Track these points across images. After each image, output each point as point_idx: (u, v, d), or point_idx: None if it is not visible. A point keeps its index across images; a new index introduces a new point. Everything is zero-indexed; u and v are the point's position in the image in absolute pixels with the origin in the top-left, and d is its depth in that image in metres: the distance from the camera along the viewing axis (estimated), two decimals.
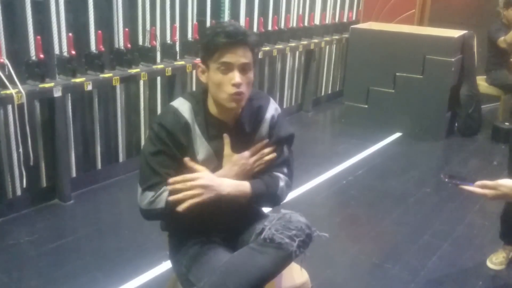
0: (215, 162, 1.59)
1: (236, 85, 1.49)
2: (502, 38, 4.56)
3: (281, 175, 1.64)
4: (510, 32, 4.51)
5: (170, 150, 1.53)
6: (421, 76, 4.51)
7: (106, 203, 3.28)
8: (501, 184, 1.61)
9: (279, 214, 1.54)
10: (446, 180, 1.70)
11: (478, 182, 1.64)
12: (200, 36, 1.68)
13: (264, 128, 1.65)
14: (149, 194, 1.52)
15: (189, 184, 1.48)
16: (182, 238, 1.64)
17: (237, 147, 1.61)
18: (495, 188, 1.61)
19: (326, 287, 2.45)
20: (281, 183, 1.62)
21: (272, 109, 1.68)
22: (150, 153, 1.54)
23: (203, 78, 1.58)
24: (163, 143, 1.53)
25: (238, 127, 1.61)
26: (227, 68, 1.49)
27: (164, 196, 1.50)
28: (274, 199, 1.62)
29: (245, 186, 1.55)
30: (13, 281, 2.42)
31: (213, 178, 1.52)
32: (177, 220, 1.52)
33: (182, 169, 1.55)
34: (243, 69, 1.51)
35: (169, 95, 3.67)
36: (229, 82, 1.49)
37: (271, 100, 1.71)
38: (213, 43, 1.48)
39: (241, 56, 1.50)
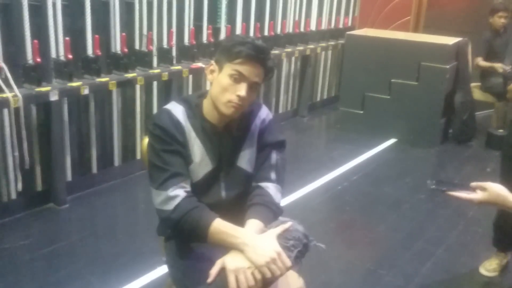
0: (209, 166, 1.61)
1: (240, 98, 1.51)
2: (479, 60, 4.74)
3: (268, 184, 1.63)
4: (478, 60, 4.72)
5: (170, 145, 1.54)
6: (416, 83, 4.54)
7: (101, 207, 3.28)
8: (490, 186, 1.61)
9: (277, 222, 1.54)
10: (433, 187, 1.69)
11: (472, 184, 1.63)
12: (225, 39, 1.68)
13: (254, 132, 1.66)
14: (162, 194, 1.50)
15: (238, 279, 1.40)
16: (180, 243, 1.64)
17: (227, 151, 1.63)
18: (484, 188, 1.60)
19: None
20: (271, 192, 1.62)
21: (264, 114, 1.69)
22: (153, 153, 1.55)
23: (209, 77, 1.60)
24: (161, 141, 1.54)
25: (228, 130, 1.63)
26: (240, 78, 1.51)
27: (176, 201, 1.48)
28: (278, 211, 1.62)
29: (259, 227, 1.50)
30: (7, 285, 2.41)
31: (232, 257, 1.43)
32: (180, 229, 1.51)
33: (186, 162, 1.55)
34: (252, 86, 1.53)
35: (165, 100, 3.67)
36: (235, 91, 1.51)
37: (263, 106, 1.73)
38: (238, 49, 1.50)
39: (256, 75, 1.52)
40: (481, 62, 4.74)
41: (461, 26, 5.21)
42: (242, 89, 1.51)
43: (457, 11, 5.45)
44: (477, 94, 4.93)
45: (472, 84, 4.85)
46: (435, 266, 2.75)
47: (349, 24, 5.63)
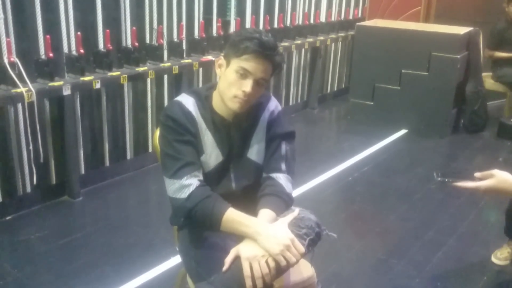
0: (219, 157, 1.63)
1: (246, 93, 1.53)
2: (490, 53, 4.72)
3: (279, 174, 1.65)
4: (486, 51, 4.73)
5: (182, 135, 1.56)
6: (427, 73, 4.52)
7: (114, 200, 3.32)
8: (497, 172, 1.60)
9: (289, 211, 1.57)
10: (439, 179, 1.69)
11: (477, 174, 1.63)
12: (234, 33, 1.69)
13: (263, 124, 1.68)
14: (176, 182, 1.52)
15: (253, 268, 1.43)
16: (193, 232, 1.67)
17: (236, 143, 1.65)
18: (491, 174, 1.60)
19: (332, 282, 2.48)
20: (282, 182, 1.63)
21: (272, 105, 1.71)
22: (165, 143, 1.58)
23: (218, 71, 1.61)
24: (174, 131, 1.56)
25: (237, 122, 1.65)
26: (245, 74, 1.52)
27: (190, 190, 1.51)
28: (289, 201, 1.64)
29: (271, 216, 1.52)
30: (25, 276, 2.46)
31: (246, 246, 1.46)
32: (193, 217, 1.53)
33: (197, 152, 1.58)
34: (258, 82, 1.54)
35: (176, 93, 3.70)
36: (240, 87, 1.53)
37: (272, 98, 1.74)
38: (244, 45, 1.50)
39: (262, 71, 1.53)
40: (497, 53, 4.70)
41: (473, 16, 5.17)
42: (247, 85, 1.52)
43: (468, 0, 5.40)
44: (489, 83, 4.90)
45: (484, 74, 4.82)
46: (446, 255, 2.75)
47: (359, 15, 5.60)
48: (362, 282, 2.55)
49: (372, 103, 4.82)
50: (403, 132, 4.66)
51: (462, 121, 4.79)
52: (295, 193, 1.72)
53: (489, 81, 4.91)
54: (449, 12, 5.29)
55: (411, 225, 3.09)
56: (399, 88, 4.66)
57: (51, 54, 2.90)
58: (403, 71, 4.62)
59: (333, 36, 5.17)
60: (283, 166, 1.67)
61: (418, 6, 5.37)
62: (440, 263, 2.68)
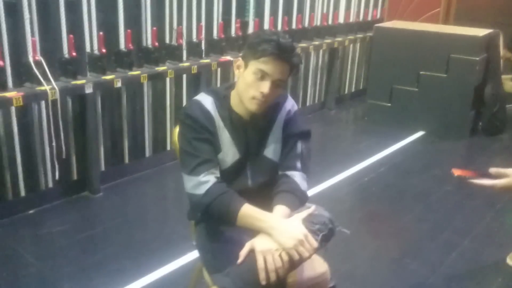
0: (236, 155, 1.67)
1: (264, 95, 1.56)
2: (508, 55, 4.71)
3: (294, 172, 1.68)
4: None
5: (200, 133, 1.60)
6: (445, 75, 4.51)
7: (133, 196, 3.39)
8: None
9: (303, 207, 1.60)
10: (456, 175, 1.72)
11: (492, 169, 1.66)
12: (252, 35, 1.73)
13: (279, 123, 1.71)
14: (194, 179, 1.57)
15: (266, 261, 1.46)
16: (210, 227, 1.71)
17: (253, 141, 1.69)
18: (506, 174, 1.62)
19: (346, 280, 2.49)
20: (297, 180, 1.67)
21: (289, 105, 1.74)
22: (184, 141, 1.62)
23: (236, 73, 1.65)
24: (193, 129, 1.60)
25: (254, 121, 1.68)
26: (263, 76, 1.55)
27: (207, 186, 1.55)
28: (304, 198, 1.67)
29: (285, 212, 1.56)
30: (46, 268, 2.54)
31: (260, 240, 1.50)
32: (210, 212, 1.57)
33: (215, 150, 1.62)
34: (276, 83, 1.57)
35: (194, 92, 3.74)
36: (258, 88, 1.56)
37: (289, 98, 1.77)
38: (262, 47, 1.53)
39: (279, 73, 1.56)
40: (508, 54, 4.67)
41: (492, 18, 5.14)
42: (265, 87, 1.55)
43: (488, 2, 5.37)
44: (508, 86, 4.86)
45: (503, 76, 4.79)
46: (461, 256, 2.75)
47: (378, 16, 5.60)
48: (376, 281, 2.57)
49: (389, 104, 4.82)
50: (420, 133, 4.65)
51: (480, 123, 4.75)
52: (311, 192, 1.76)
53: (508, 83, 4.87)
54: (469, 13, 5.27)
55: (426, 225, 3.09)
56: (417, 89, 4.65)
57: (74, 53, 2.97)
58: (421, 72, 4.61)
59: (351, 37, 5.17)
60: (299, 165, 1.70)
61: (437, 8, 5.35)
62: (455, 264, 2.69)
